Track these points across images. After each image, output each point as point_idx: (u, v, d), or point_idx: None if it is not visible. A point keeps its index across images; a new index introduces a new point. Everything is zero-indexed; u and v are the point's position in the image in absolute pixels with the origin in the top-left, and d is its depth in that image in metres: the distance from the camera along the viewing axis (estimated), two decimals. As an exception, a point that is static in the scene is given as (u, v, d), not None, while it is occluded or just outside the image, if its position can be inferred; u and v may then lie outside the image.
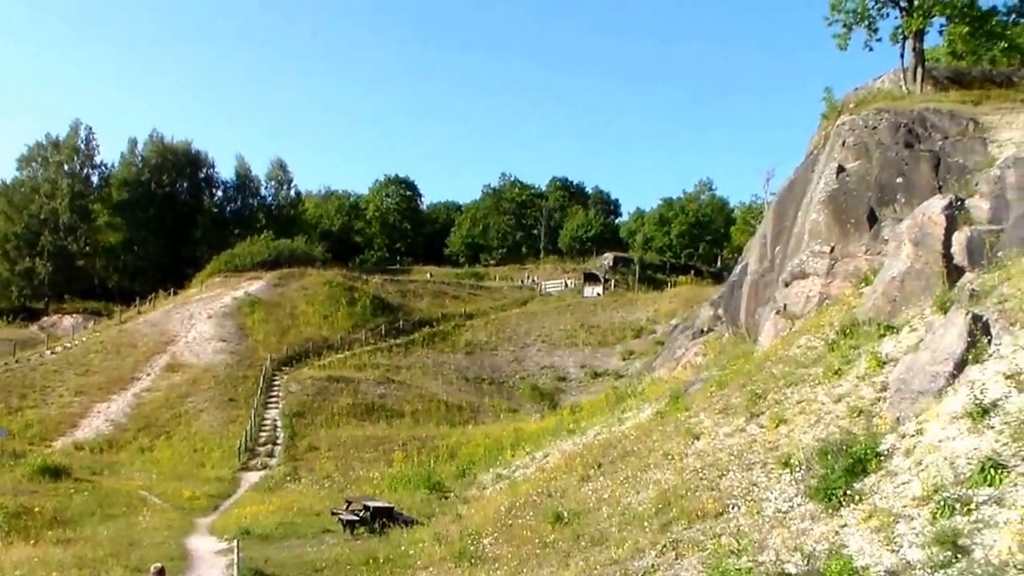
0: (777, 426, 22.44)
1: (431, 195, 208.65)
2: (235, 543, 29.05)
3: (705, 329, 56.49)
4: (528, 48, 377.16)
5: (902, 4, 46.56)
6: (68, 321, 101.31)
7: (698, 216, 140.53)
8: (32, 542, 31.34)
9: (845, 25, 48.60)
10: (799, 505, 17.79)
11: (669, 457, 24.59)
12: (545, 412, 63.60)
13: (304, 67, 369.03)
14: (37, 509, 37.44)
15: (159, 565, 22.87)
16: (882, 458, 17.53)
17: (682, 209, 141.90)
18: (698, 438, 25.25)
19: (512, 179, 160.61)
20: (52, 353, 74.56)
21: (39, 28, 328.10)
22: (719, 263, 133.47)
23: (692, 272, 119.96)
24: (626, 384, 59.73)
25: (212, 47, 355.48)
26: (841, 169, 38.78)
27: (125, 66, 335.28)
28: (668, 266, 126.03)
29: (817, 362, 25.41)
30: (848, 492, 16.73)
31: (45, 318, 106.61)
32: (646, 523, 19.99)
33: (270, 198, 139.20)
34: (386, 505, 36.01)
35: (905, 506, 15.53)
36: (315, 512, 38.96)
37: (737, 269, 55.06)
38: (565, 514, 23.09)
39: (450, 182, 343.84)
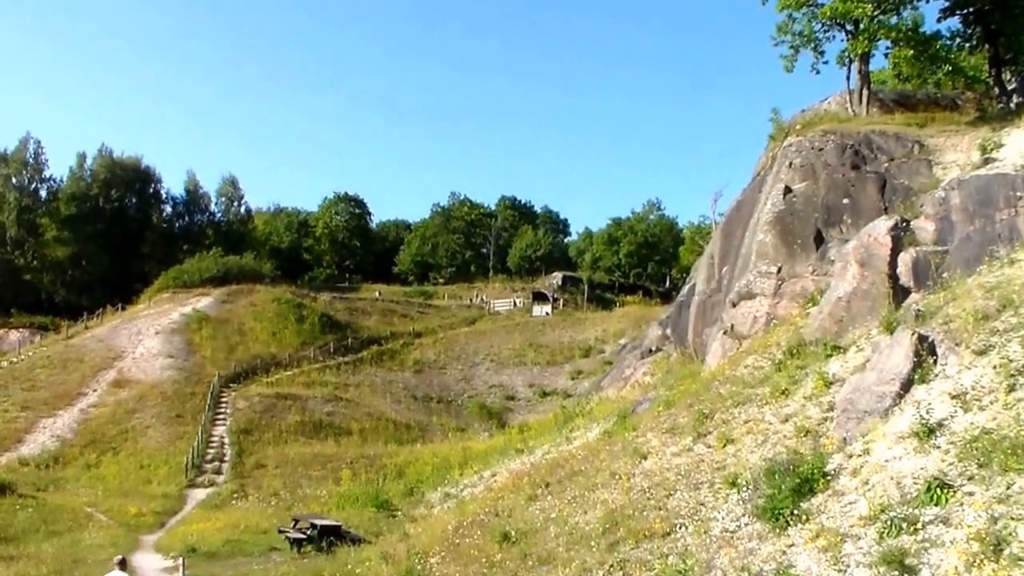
0: (724, 446, 22.50)
1: (381, 213, 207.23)
2: (181, 561, 28.76)
3: (653, 349, 56.76)
4: (477, 65, 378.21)
5: (848, 27, 46.93)
6: (14, 335, 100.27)
7: (647, 236, 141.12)
8: (-26, 558, 31.04)
9: (792, 47, 48.93)
10: (746, 525, 17.82)
11: (617, 477, 24.59)
12: (493, 431, 63.63)
13: (255, 83, 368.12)
14: (-20, 525, 37.08)
15: (121, 556, 23.36)
16: (829, 478, 17.59)
17: (631, 229, 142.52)
18: (645, 458, 25.28)
19: (462, 198, 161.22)
20: (-2, 367, 73.83)
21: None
22: (668, 283, 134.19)
23: (641, 292, 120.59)
24: (574, 403, 59.86)
25: (162, 62, 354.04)
26: (788, 190, 39.08)
27: (75, 79, 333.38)
28: (617, 286, 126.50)
29: (764, 382, 25.53)
30: (795, 512, 16.76)
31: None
32: (593, 543, 19.96)
33: (220, 214, 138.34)
34: (333, 523, 35.88)
35: (852, 526, 15.58)
36: (262, 530, 38.75)
37: (685, 289, 55.42)
38: (513, 533, 23.03)
39: (400, 200, 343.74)
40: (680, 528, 18.98)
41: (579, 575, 18.87)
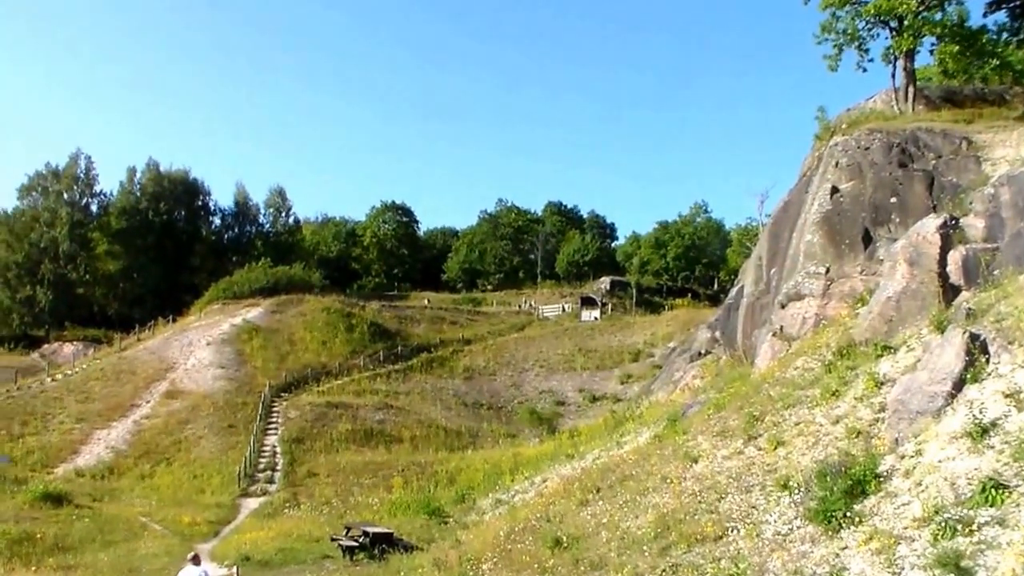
0: (775, 448, 22.37)
1: (428, 221, 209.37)
2: (235, 569, 29.04)
3: (702, 352, 56.53)
4: (521, 73, 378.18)
5: (892, 25, 46.54)
6: (68, 348, 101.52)
7: (694, 239, 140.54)
8: (33, 568, 31.50)
9: (836, 46, 48.58)
10: (798, 528, 17.69)
11: (667, 480, 24.52)
12: (544, 437, 63.45)
13: (300, 93, 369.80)
14: (38, 535, 37.54)
15: (194, 552, 24.57)
16: (881, 479, 17.43)
17: (678, 232, 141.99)
18: (696, 461, 25.18)
19: (509, 205, 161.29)
20: (53, 380, 74.65)
21: (38, 55, 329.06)
22: (715, 286, 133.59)
23: (689, 295, 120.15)
24: (624, 408, 59.73)
25: (211, 75, 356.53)
26: (835, 190, 38.82)
27: (124, 94, 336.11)
28: (665, 289, 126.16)
29: (814, 383, 25.36)
30: (848, 514, 16.62)
31: (46, 346, 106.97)
32: (645, 547, 19.90)
33: (268, 225, 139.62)
34: (385, 531, 36.01)
35: (906, 527, 15.43)
36: (315, 538, 38.94)
37: (733, 291, 55.11)
38: (564, 539, 23.00)
39: (447, 208, 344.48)
40: (732, 531, 18.87)
41: (631, 580, 18.83)
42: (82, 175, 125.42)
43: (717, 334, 55.01)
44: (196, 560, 24.65)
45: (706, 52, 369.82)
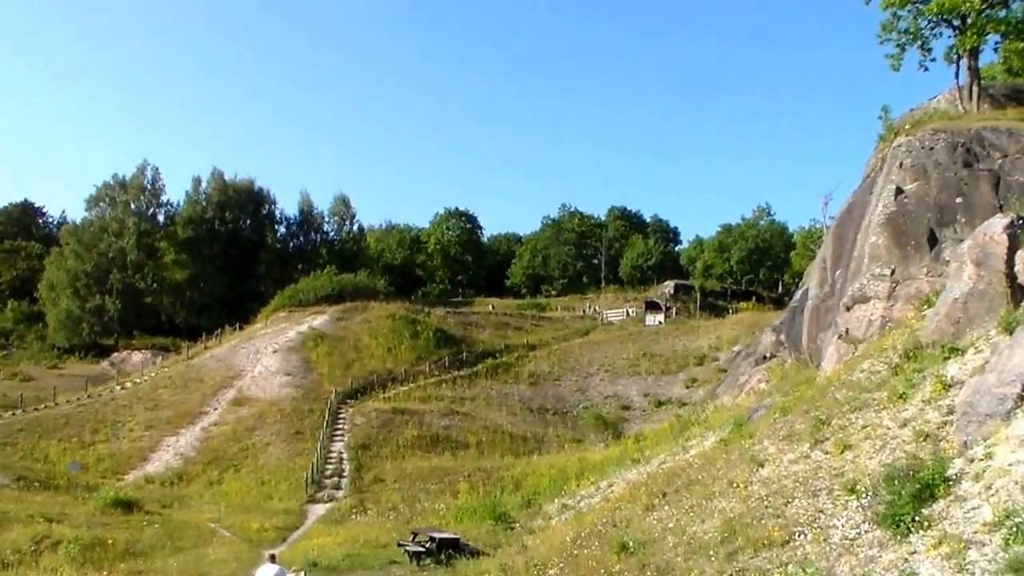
0: (842, 452, 22.22)
1: (491, 227, 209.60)
2: (303, 575, 29.22)
3: (767, 355, 56.20)
4: (584, 77, 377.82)
5: (955, 23, 46.03)
6: (137, 357, 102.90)
7: (757, 242, 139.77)
8: (105, 573, 31.84)
9: (898, 45, 48.15)
10: (866, 532, 17.55)
11: (734, 485, 24.42)
12: (609, 441, 63.36)
13: (364, 100, 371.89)
14: (110, 541, 37.94)
15: (271, 552, 25.72)
16: (950, 483, 17.26)
17: (741, 235, 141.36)
18: (762, 465, 25.06)
19: (572, 210, 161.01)
20: (122, 388, 75.98)
21: (103, 66, 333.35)
22: (780, 288, 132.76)
23: (753, 298, 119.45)
24: (690, 412, 59.46)
25: (275, 85, 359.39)
26: (899, 191, 38.50)
27: (188, 104, 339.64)
28: (729, 293, 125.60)
29: (881, 386, 25.16)
30: (916, 518, 16.46)
31: (115, 354, 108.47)
32: (712, 552, 19.83)
33: (333, 233, 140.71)
34: (452, 536, 36.06)
35: (976, 532, 15.28)
36: (382, 544, 39.05)
37: (798, 294, 54.80)
38: (631, 544, 22.95)
39: (510, 214, 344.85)
40: (799, 536, 18.75)
41: (698, 585, 18.79)
42: (149, 185, 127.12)
43: (782, 337, 54.70)
44: (273, 559, 25.93)
45: (770, 53, 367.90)
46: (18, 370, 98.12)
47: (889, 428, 21.96)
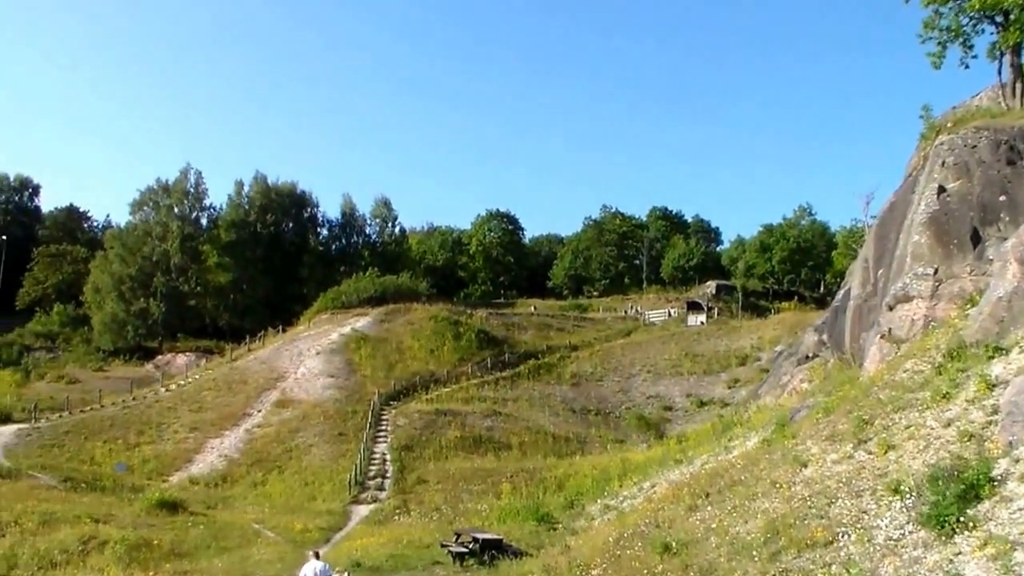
0: (886, 452, 22.14)
1: (533, 228, 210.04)
2: (347, 575, 29.41)
3: (810, 355, 55.95)
4: (625, 78, 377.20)
5: (997, 19, 45.56)
6: (181, 359, 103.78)
7: (799, 242, 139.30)
8: (151, 574, 32.11)
9: (939, 43, 47.65)
10: (911, 533, 17.50)
11: (777, 485, 24.38)
12: (652, 442, 63.27)
13: (406, 106, 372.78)
14: (155, 542, 38.23)
15: (315, 550, 26.75)
16: (995, 483, 17.19)
17: (783, 235, 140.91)
18: (805, 465, 24.99)
19: (613, 211, 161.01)
20: (167, 391, 76.74)
21: (145, 71, 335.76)
22: (822, 288, 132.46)
23: (795, 298, 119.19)
24: (732, 412, 59.25)
25: (316, 87, 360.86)
26: (942, 189, 38.24)
27: (231, 108, 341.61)
28: (771, 293, 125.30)
29: (924, 386, 25.05)
30: (961, 519, 16.41)
31: (159, 357, 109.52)
32: (755, 553, 19.83)
33: (375, 235, 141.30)
34: (495, 537, 36.10)
35: (1022, 533, 15.24)
36: (425, 544, 39.11)
37: (840, 294, 54.50)
38: (673, 544, 22.97)
39: (551, 215, 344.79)
40: (843, 537, 18.70)
41: (741, 585, 18.77)
42: (192, 189, 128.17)
43: (824, 337, 54.43)
44: (317, 555, 27.05)
45: (811, 53, 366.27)
46: (64, 373, 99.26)
47: (933, 428, 21.86)
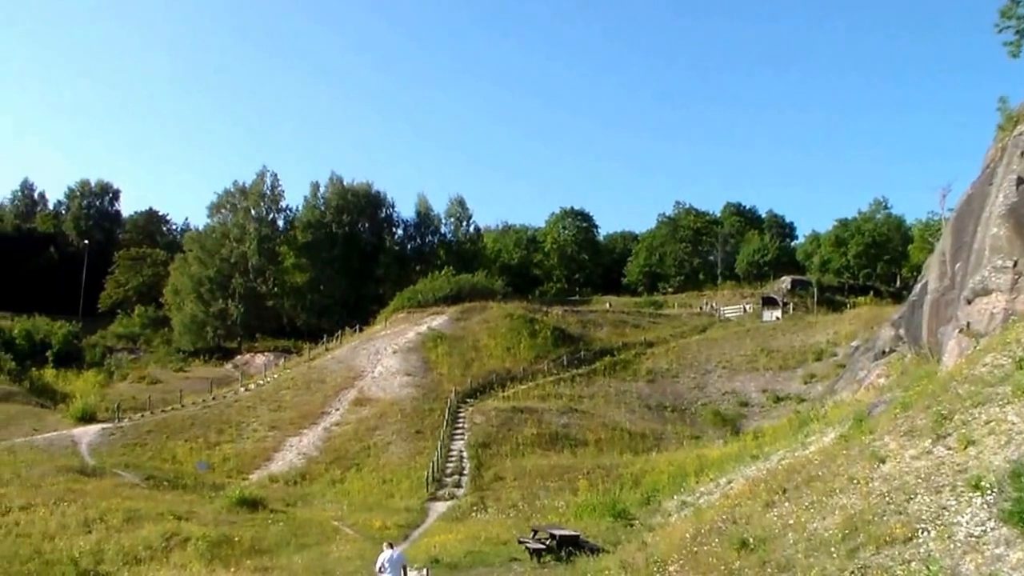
0: (966, 447, 21.97)
1: (607, 226, 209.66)
2: (425, 572, 29.67)
3: (887, 350, 55.61)
4: (698, 72, 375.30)
5: (1076, 6, 44.99)
6: (260, 359, 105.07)
7: (874, 236, 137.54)
8: (232, 570, 32.59)
9: (1017, 32, 47.08)
10: (992, 529, 17.37)
11: (854, 481, 24.23)
12: (728, 438, 63.05)
13: (479, 105, 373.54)
14: (236, 538, 38.80)
15: (389, 541, 27.50)
16: (1080, 479, 17.08)
17: (858, 229, 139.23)
18: (884, 461, 24.81)
19: (687, 207, 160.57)
20: (246, 390, 77.73)
21: (222, 78, 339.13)
22: (898, 282, 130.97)
23: (871, 292, 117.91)
24: (808, 408, 59.01)
25: (390, 89, 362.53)
26: (1020, 181, 37.81)
27: (304, 110, 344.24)
28: (846, 287, 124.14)
29: (1005, 381, 24.83)
30: (1044, 516, 16.32)
31: (238, 357, 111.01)
32: (833, 549, 19.74)
33: (450, 234, 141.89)
34: (572, 533, 36.18)
35: (1106, 530, 15.12)
36: (502, 541, 39.36)
37: (917, 288, 54.07)
38: (751, 540, 22.92)
39: (625, 212, 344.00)
40: (922, 533, 18.58)
41: (819, 582, 18.71)
42: (268, 191, 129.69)
43: (901, 332, 54.07)
44: (391, 545, 27.94)
45: (884, 45, 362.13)
46: (146, 373, 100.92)
47: (1014, 423, 21.68)
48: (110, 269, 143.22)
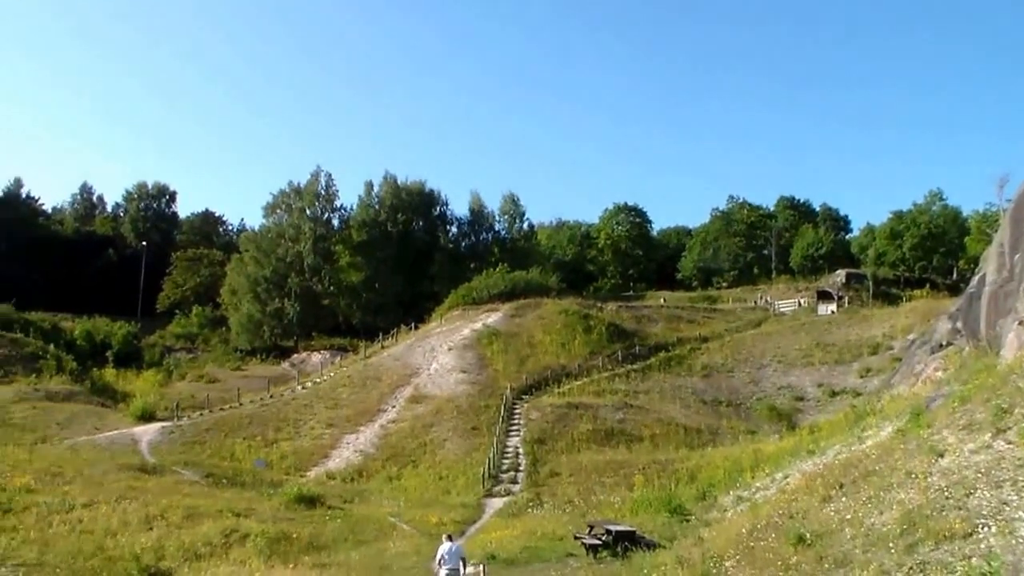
0: (1026, 442, 21.83)
1: (660, 221, 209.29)
2: (482, 567, 29.79)
3: (944, 343, 55.08)
4: (750, 67, 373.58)
5: None
6: (316, 357, 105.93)
7: (930, 228, 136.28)
8: (291, 566, 32.91)
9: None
10: (1055, 525, 17.27)
11: (912, 476, 24.09)
12: (783, 432, 62.72)
13: (531, 103, 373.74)
14: (294, 535, 39.25)
15: (449, 533, 29.64)
16: None
17: (913, 221, 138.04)
18: (942, 455, 24.67)
19: (740, 201, 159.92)
20: (303, 388, 78.45)
21: (279, 79, 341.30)
22: (955, 275, 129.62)
23: (927, 285, 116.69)
24: (865, 402, 58.55)
25: (442, 86, 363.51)
26: (1082, 170, 37.38)
27: (357, 110, 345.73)
28: (902, 280, 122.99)
29: (1066, 374, 24.64)
30: (1107, 511, 16.18)
31: (295, 355, 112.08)
32: (891, 544, 19.67)
33: (503, 231, 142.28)
34: (628, 529, 36.15)
35: None
36: (558, 536, 39.41)
37: (974, 280, 53.55)
38: (807, 535, 22.86)
39: (678, 207, 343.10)
40: (982, 528, 18.44)
41: (877, 577, 18.64)
42: (323, 191, 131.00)
43: (958, 324, 53.54)
44: (450, 538, 28.47)
45: (939, 32, 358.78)
46: (204, 372, 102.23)
47: (1076, 416, 21.52)
48: (168, 270, 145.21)
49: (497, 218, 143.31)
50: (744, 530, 27.32)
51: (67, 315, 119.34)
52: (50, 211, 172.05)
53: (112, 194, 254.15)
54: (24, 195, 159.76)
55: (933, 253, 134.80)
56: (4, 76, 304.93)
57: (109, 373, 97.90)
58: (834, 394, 74.29)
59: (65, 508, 41.65)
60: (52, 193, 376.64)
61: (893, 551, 19.30)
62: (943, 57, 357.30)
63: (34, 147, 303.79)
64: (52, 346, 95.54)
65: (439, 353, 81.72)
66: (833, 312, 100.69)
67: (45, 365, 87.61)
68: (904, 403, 43.10)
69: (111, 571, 32.53)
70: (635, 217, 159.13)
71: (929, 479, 23.18)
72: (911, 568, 18.18)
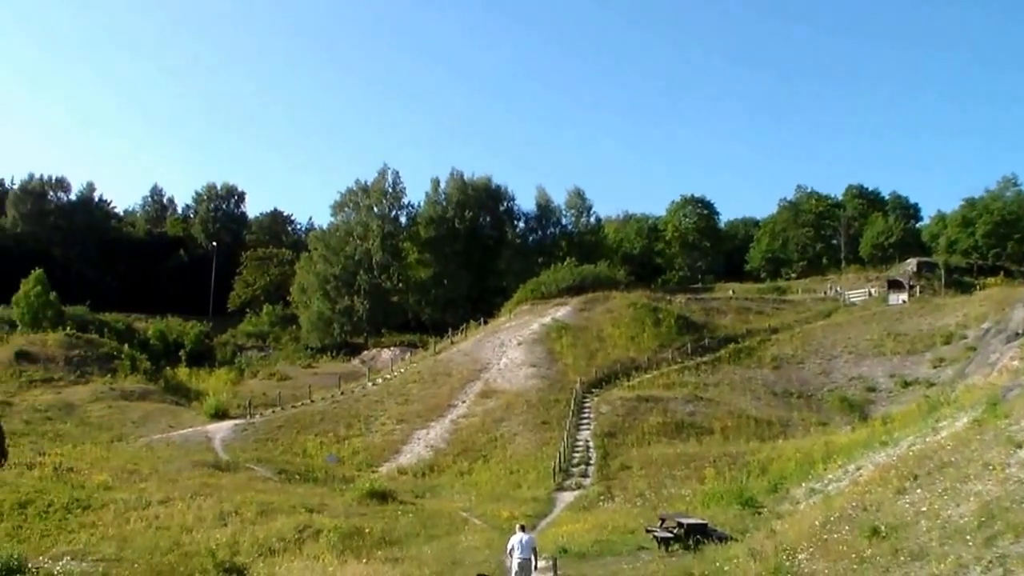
0: (1107, 431, 21.54)
1: (728, 212, 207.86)
2: (553, 561, 29.81)
3: (1020, 332, 54.51)
4: (814, 56, 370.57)
5: None
6: (386, 354, 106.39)
7: (1004, 214, 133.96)
8: (364, 560, 33.00)
9: None
10: None
11: (990, 467, 23.85)
12: (855, 424, 62.21)
13: (599, 95, 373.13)
14: (367, 530, 39.37)
15: (521, 524, 30.25)
16: None
17: (986, 208, 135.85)
18: (1020, 447, 24.39)
19: (808, 191, 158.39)
20: (373, 384, 79.06)
21: (343, 80, 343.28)
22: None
23: (1001, 273, 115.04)
24: (938, 392, 58.01)
25: (506, 83, 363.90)
26: None
27: (423, 107, 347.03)
28: (975, 268, 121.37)
29: None
30: None
31: (365, 352, 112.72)
32: (968, 537, 19.48)
33: (570, 226, 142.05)
34: (700, 521, 35.97)
35: None
36: (629, 530, 39.30)
37: (1052, 267, 52.90)
38: (882, 528, 22.70)
39: (746, 198, 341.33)
40: (1064, 521, 18.29)
41: (955, 571, 18.43)
42: (390, 189, 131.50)
43: (1035, 312, 52.95)
44: (523, 528, 28.62)
45: (1006, 14, 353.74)
46: (275, 370, 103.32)
47: None
48: (238, 269, 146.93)
49: (564, 212, 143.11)
50: (817, 522, 27.16)
51: (140, 316, 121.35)
52: (122, 214, 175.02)
53: (182, 196, 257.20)
54: (97, 199, 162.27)
55: (1007, 240, 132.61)
56: (77, 90, 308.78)
57: (182, 372, 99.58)
58: (907, 384, 73.45)
59: (142, 505, 42.24)
60: (123, 196, 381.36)
61: (971, 544, 19.12)
62: (1012, 37, 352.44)
63: (106, 152, 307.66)
64: (126, 346, 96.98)
65: (508, 348, 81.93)
66: (904, 301, 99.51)
67: (120, 365, 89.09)
68: (979, 393, 42.66)
69: (187, 566, 32.82)
70: (702, 209, 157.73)
71: (1007, 470, 22.94)
72: (990, 561, 18.01)
